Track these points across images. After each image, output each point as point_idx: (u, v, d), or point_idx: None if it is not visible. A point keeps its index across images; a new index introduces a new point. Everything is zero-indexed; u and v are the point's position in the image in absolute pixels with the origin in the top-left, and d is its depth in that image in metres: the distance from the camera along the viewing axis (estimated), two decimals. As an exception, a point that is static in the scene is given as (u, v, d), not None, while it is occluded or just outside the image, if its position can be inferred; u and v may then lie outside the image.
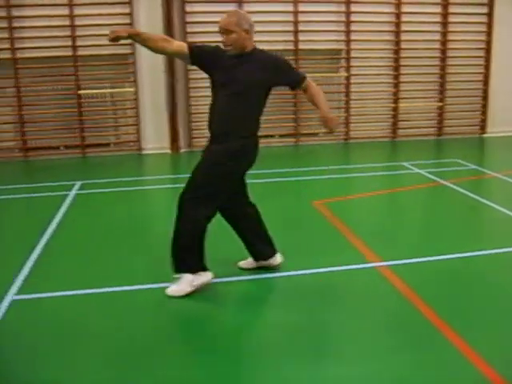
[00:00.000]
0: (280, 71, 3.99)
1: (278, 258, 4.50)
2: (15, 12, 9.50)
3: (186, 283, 4.06)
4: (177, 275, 4.09)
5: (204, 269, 4.12)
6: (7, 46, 9.54)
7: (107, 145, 10.23)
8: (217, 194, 3.99)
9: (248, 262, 4.53)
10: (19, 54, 9.62)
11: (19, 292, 4.19)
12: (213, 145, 4.06)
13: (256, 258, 4.47)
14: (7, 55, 9.57)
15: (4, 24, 9.50)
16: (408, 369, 3.09)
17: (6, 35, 9.51)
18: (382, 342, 3.43)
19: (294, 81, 4.04)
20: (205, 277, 4.12)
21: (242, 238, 4.41)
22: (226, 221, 4.36)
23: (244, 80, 3.91)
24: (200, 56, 4.07)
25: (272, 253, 4.46)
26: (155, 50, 4.07)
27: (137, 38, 4.07)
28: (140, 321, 3.77)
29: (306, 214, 6.06)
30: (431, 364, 3.12)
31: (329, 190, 7.19)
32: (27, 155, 9.89)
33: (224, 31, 3.88)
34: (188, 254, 4.04)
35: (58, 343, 3.47)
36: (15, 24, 9.54)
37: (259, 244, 4.40)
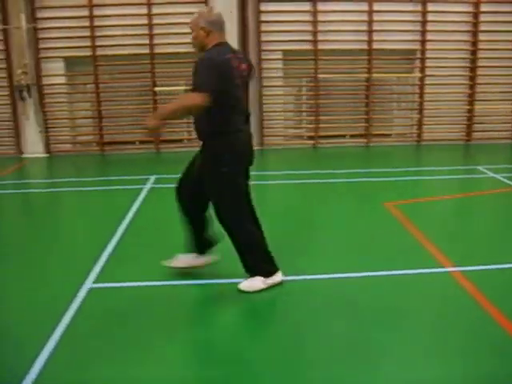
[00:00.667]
0: (194, 74, 3.76)
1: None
2: (96, 11, 9.84)
3: (259, 281, 4.13)
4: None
5: (275, 270, 4.18)
6: (88, 43, 9.89)
7: (180, 141, 10.45)
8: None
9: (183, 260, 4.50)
10: (99, 52, 9.96)
11: (97, 280, 4.36)
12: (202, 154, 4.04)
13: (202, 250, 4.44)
14: (88, 53, 9.93)
15: (86, 23, 9.86)
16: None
17: (87, 34, 9.87)
18: (451, 345, 3.38)
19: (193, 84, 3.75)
20: (276, 277, 4.18)
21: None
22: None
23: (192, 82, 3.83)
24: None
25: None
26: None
27: (174, 116, 4.03)
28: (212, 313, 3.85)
29: (378, 216, 6.02)
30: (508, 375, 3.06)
31: (401, 192, 7.11)
32: (104, 149, 10.23)
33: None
34: (259, 262, 4.13)
35: (133, 332, 3.60)
36: (96, 23, 9.88)
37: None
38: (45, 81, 10.07)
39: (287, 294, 4.08)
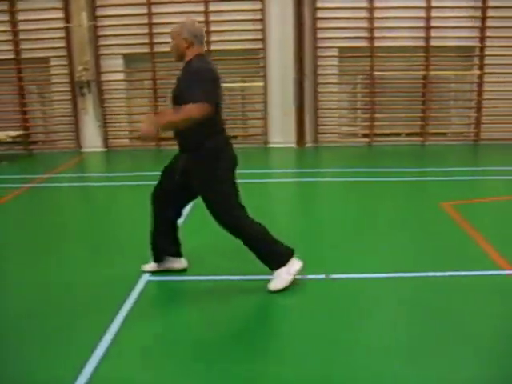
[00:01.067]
0: (188, 84, 3.76)
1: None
2: (154, 9, 10.03)
3: (284, 274, 4.07)
4: (273, 272, 4.13)
5: (291, 255, 4.12)
6: (146, 41, 10.08)
7: (235, 137, 10.55)
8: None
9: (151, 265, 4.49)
10: (157, 49, 10.14)
11: (154, 274, 4.47)
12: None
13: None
14: (146, 50, 10.12)
15: (145, 20, 10.05)
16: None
17: (146, 31, 10.07)
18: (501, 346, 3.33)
19: (190, 99, 3.68)
20: (296, 264, 4.11)
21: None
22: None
23: (174, 89, 3.91)
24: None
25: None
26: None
27: (172, 126, 3.91)
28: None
29: (434, 216, 5.95)
30: None
31: (457, 192, 6.99)
32: (160, 144, 10.40)
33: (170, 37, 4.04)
34: (270, 254, 4.11)
35: (186, 328, 3.69)
36: (155, 20, 10.07)
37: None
38: (104, 77, 10.33)
39: (346, 292, 4.10)
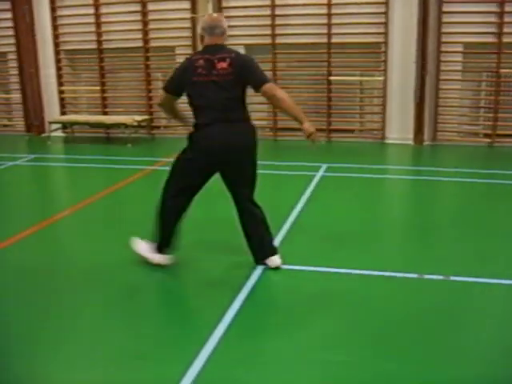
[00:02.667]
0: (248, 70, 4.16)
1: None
2: (278, 1, 10.14)
3: (146, 248, 4.54)
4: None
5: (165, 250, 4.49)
6: (268, 32, 10.23)
7: (352, 131, 10.52)
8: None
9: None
10: (278, 40, 10.27)
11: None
12: None
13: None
14: (267, 41, 10.27)
15: (267, 12, 10.20)
16: None
17: (268, 22, 10.21)
18: None
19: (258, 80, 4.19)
20: (160, 258, 4.49)
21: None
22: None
23: None
24: None
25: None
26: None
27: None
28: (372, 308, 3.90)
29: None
30: None
31: None
32: (277, 134, 10.56)
33: None
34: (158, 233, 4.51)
35: (301, 318, 3.77)
36: (278, 12, 10.19)
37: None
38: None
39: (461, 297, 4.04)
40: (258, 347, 3.35)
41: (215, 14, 4.43)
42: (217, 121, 4.15)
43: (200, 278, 4.37)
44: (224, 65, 4.10)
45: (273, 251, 4.51)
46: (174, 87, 4.27)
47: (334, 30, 10.03)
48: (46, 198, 7.27)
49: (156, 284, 4.32)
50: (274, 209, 6.01)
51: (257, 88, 4.16)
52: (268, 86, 4.12)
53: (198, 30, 4.27)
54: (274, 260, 4.47)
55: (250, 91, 4.25)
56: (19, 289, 4.24)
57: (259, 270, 4.39)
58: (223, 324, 3.54)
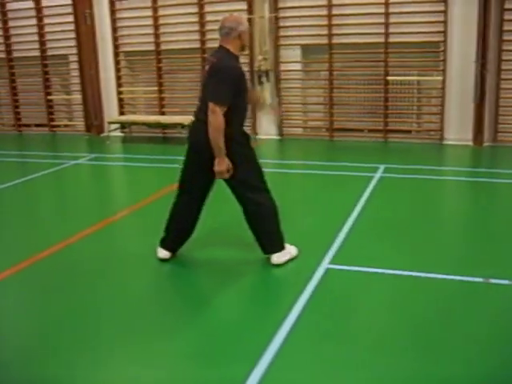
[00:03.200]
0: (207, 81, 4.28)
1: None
2: (335, 0, 10.10)
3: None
4: None
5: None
6: (325, 32, 10.20)
7: (408, 132, 10.38)
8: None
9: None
10: (335, 40, 10.22)
11: (333, 261, 4.58)
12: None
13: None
14: (324, 41, 10.24)
15: (324, 12, 10.17)
16: None
17: (325, 22, 10.18)
18: None
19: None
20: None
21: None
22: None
23: None
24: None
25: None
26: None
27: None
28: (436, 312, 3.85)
29: None
30: None
31: None
32: (333, 135, 10.52)
33: None
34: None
35: (365, 320, 3.75)
36: (334, 11, 10.14)
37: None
38: (282, 67, 10.62)
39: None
40: (321, 350, 3.34)
41: (234, 14, 4.53)
42: (194, 118, 4.46)
43: (263, 280, 4.42)
44: (207, 67, 4.32)
45: (277, 248, 4.59)
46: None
47: (391, 30, 9.91)
48: (107, 197, 7.45)
49: (219, 285, 4.36)
50: (333, 210, 6.06)
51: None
52: (210, 106, 4.06)
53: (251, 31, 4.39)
54: (278, 257, 4.57)
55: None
56: (86, 286, 4.37)
57: (320, 272, 4.39)
58: (286, 325, 3.56)
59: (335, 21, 10.20)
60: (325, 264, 4.53)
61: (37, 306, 4.05)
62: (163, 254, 4.73)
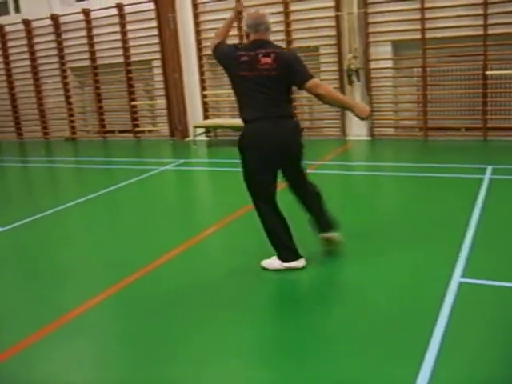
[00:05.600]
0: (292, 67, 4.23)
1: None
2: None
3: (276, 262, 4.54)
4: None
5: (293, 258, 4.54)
6: (418, 26, 9.70)
7: (511, 129, 9.74)
8: None
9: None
10: (428, 35, 9.70)
11: (464, 275, 4.17)
12: None
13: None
14: (416, 36, 9.74)
15: (416, 5, 9.67)
16: None
17: (417, 16, 9.68)
18: None
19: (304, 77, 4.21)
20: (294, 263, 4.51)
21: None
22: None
23: (272, 71, 4.22)
24: None
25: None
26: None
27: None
28: None
29: None
30: None
31: None
32: (427, 135, 10.00)
33: None
34: (276, 245, 4.56)
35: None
36: (427, 5, 9.64)
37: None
38: (373, 65, 10.19)
39: None
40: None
41: (260, 11, 4.44)
42: (261, 117, 4.20)
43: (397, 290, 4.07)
44: (268, 60, 4.16)
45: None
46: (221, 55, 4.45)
47: (490, 21, 9.32)
48: (205, 204, 7.27)
49: (355, 296, 4.04)
50: (448, 216, 5.60)
51: (300, 85, 4.18)
52: (311, 83, 4.12)
53: (244, 28, 4.36)
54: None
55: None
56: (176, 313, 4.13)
57: (453, 286, 3.98)
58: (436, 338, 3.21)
59: (428, 14, 9.68)
60: (456, 277, 4.11)
61: (128, 334, 3.80)
62: (302, 262, 4.53)
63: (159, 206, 7.00)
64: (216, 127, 11.01)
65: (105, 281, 4.61)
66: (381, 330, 3.49)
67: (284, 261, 4.48)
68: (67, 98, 13.67)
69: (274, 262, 4.54)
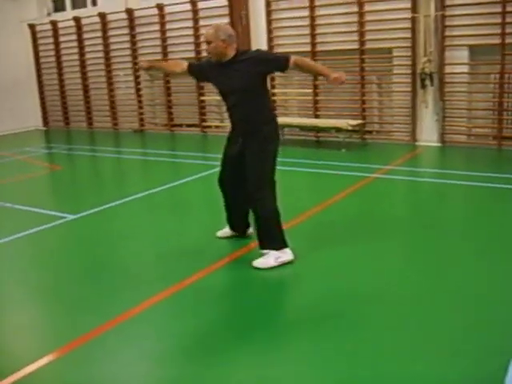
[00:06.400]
0: (265, 61, 4.57)
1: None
2: None
3: (272, 257, 4.67)
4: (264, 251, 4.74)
5: (286, 245, 4.77)
6: (497, 31, 9.36)
7: None
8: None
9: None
10: (508, 40, 9.35)
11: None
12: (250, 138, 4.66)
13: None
14: (496, 40, 9.41)
15: (497, 9, 9.34)
16: None
17: (496, 20, 9.34)
18: None
19: (281, 65, 4.51)
20: (287, 254, 4.74)
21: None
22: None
23: (238, 82, 4.54)
24: (194, 71, 4.97)
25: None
26: (171, 74, 5.48)
27: (153, 69, 5.05)
28: None
29: None
30: None
31: None
32: (501, 144, 9.66)
33: (206, 42, 4.59)
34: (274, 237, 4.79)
35: None
36: (509, 9, 9.29)
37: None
38: (448, 69, 9.92)
39: None
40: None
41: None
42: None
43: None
44: (244, 66, 4.66)
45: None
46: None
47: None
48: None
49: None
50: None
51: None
52: (287, 64, 4.49)
53: (222, 37, 4.53)
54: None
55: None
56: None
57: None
58: None
59: (509, 19, 9.33)
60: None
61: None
62: (292, 255, 4.79)
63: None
64: (285, 126, 10.92)
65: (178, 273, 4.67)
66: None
67: (279, 248, 4.70)
68: (137, 90, 13.90)
69: (268, 260, 4.67)
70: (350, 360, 3.27)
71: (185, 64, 4.99)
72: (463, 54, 9.86)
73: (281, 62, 4.51)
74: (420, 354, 3.30)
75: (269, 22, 11.52)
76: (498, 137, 9.71)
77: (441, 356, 3.24)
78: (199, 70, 4.99)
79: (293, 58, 4.47)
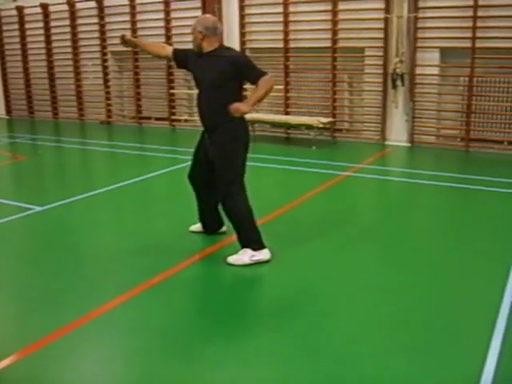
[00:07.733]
0: (241, 65, 4.49)
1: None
2: (481, 1, 9.35)
3: (246, 255, 4.65)
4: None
5: (263, 246, 4.71)
6: (468, 35, 9.46)
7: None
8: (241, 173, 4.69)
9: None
10: (478, 44, 9.46)
11: None
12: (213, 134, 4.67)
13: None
14: (467, 44, 9.51)
15: (469, 13, 9.44)
16: None
17: (467, 24, 9.45)
18: None
19: (252, 77, 4.45)
20: (264, 254, 4.69)
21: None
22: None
23: (208, 75, 4.55)
24: (178, 56, 4.90)
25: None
26: (152, 54, 5.08)
27: (132, 44, 5.12)
28: None
29: None
30: None
31: None
32: (468, 145, 9.78)
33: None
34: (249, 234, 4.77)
35: None
36: (480, 13, 9.39)
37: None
38: (418, 70, 10.00)
39: None
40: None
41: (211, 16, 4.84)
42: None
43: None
44: (221, 64, 4.64)
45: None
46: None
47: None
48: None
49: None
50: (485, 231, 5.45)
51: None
52: (261, 80, 4.40)
53: (198, 28, 4.55)
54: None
55: None
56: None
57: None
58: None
59: (480, 23, 9.45)
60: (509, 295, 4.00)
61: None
62: (268, 254, 4.75)
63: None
64: (256, 122, 10.87)
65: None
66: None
67: (257, 249, 4.66)
68: (106, 81, 13.69)
69: (243, 257, 4.66)
70: (312, 355, 3.30)
71: (170, 49, 5.00)
72: (434, 56, 9.95)
73: (253, 75, 4.45)
74: (386, 346, 3.36)
75: (241, 16, 11.45)
76: (465, 138, 9.84)
77: (406, 352, 3.30)
78: (183, 56, 4.92)
79: (263, 78, 4.39)
